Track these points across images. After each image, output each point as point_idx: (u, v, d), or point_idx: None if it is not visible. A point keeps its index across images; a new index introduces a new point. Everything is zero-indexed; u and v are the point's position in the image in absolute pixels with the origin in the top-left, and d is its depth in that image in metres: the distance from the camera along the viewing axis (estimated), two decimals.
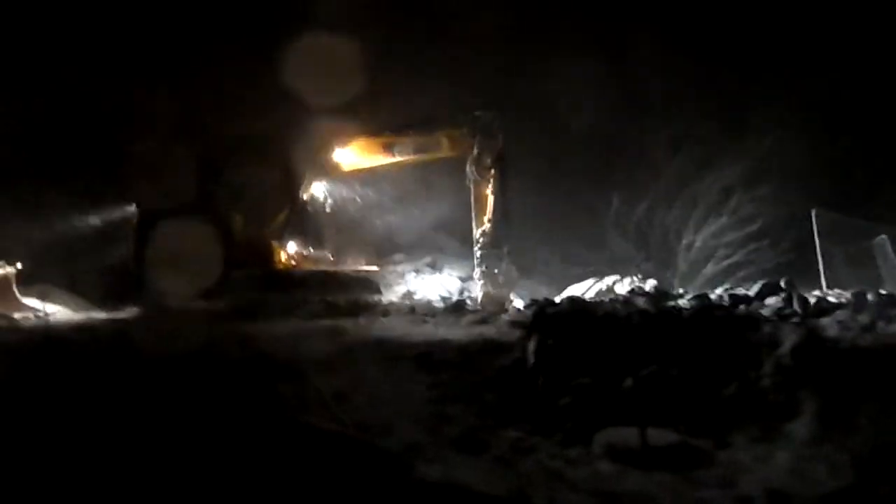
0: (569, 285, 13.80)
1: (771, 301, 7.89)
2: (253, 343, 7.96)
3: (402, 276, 14.90)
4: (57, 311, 12.73)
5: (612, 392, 6.06)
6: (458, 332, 8.21)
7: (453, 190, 19.07)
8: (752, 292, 8.49)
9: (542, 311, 7.39)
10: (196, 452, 5.05)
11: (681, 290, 11.43)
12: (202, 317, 9.25)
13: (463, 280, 15.92)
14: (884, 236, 14.93)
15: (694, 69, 19.12)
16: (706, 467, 4.70)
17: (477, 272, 12.27)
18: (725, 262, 17.99)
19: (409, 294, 13.93)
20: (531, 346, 6.96)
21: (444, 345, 7.56)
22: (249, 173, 11.29)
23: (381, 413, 6.25)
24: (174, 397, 6.38)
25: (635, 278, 12.54)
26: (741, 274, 17.66)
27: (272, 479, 4.27)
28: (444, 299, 13.76)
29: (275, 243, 11.59)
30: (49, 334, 9.47)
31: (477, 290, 12.37)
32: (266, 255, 11.45)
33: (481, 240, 12.17)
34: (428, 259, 17.28)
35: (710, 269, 18.23)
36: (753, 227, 17.63)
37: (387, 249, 17.82)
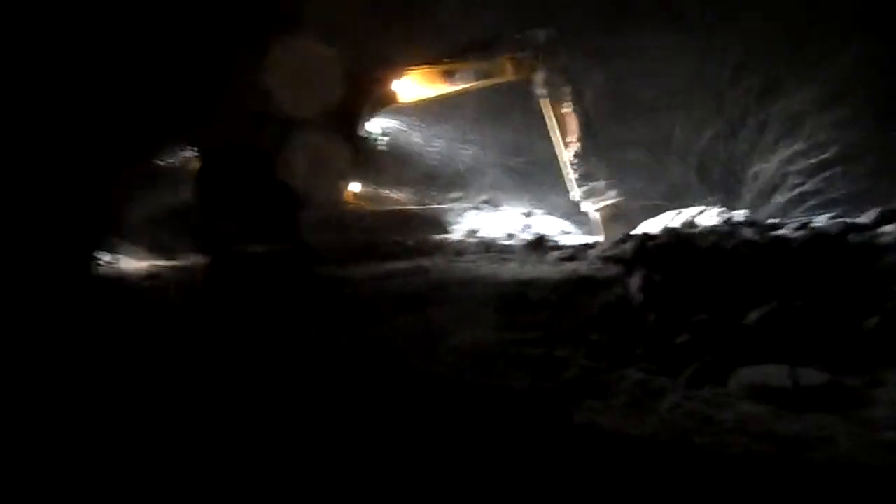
0: (642, 219, 13.25)
1: (889, 228, 7.30)
2: (337, 286, 7.71)
3: (460, 213, 14.48)
4: (112, 259, 12.69)
5: (735, 328, 5.67)
6: (546, 269, 7.84)
7: (503, 125, 18.54)
8: (863, 220, 7.90)
9: (644, 245, 6.93)
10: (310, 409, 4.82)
11: (776, 220, 10.84)
12: (278, 262, 9.02)
13: (526, 216, 15.46)
14: None
15: None
16: (867, 407, 4.29)
17: (578, 193, 11.77)
18: (797, 191, 17.12)
19: (471, 232, 13.55)
20: (635, 282, 6.57)
21: (536, 283, 7.20)
22: (306, 108, 10.87)
23: (486, 357, 5.97)
24: (277, 353, 6.18)
25: (724, 209, 11.95)
26: (813, 202, 16.82)
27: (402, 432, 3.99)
28: (509, 236, 13.35)
29: (340, 182, 11.25)
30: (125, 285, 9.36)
31: (586, 208, 11.87)
32: (333, 195, 11.13)
33: (575, 161, 11.65)
34: (485, 196, 16.81)
35: (778, 198, 17.39)
36: (827, 154, 16.65)
37: (441, 185, 17.36)
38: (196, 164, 12.02)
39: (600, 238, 11.42)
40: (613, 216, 11.76)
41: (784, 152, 17.24)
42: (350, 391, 5.22)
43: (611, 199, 11.66)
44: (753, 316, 5.64)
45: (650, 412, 4.44)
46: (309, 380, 5.06)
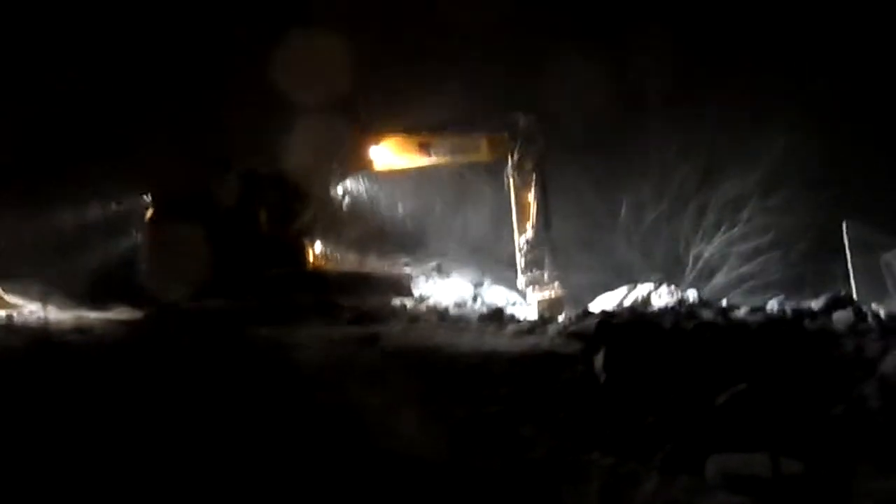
0: (583, 294, 13.38)
1: (840, 315, 7.46)
2: (287, 351, 7.32)
3: (412, 279, 14.30)
4: (42, 310, 11.90)
5: (703, 411, 5.56)
6: (505, 342, 7.66)
7: (458, 195, 18.67)
8: (815, 306, 8.08)
9: (608, 323, 6.84)
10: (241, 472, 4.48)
11: (728, 302, 11.07)
12: (232, 319, 8.57)
13: (475, 285, 15.38)
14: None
15: (701, 73, 18.79)
16: (846, 500, 4.18)
17: (522, 279, 11.83)
18: (736, 273, 17.72)
19: (421, 299, 13.33)
20: (599, 359, 6.44)
21: (496, 356, 6.99)
22: (276, 167, 10.62)
23: (442, 432, 5.68)
24: (207, 410, 5.77)
25: (674, 288, 12.12)
26: (752, 284, 17.43)
27: None
28: (458, 305, 13.19)
29: (305, 241, 10.94)
30: (51, 338, 8.68)
31: (529, 296, 11.90)
32: (297, 254, 10.78)
33: (525, 246, 11.73)
34: (433, 263, 16.70)
35: (719, 278, 17.96)
36: (764, 238, 17.39)
37: (389, 251, 17.20)
38: (148, 213, 11.54)
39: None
40: (551, 307, 11.77)
41: (724, 235, 17.95)
42: (298, 467, 4.85)
43: (551, 291, 11.72)
44: (721, 399, 5.54)
45: (628, 501, 4.22)
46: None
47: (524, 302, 13.65)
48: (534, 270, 11.69)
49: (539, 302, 11.75)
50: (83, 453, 4.68)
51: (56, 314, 11.58)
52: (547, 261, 11.67)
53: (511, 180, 11.86)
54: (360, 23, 14.03)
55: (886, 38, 18.29)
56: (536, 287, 11.68)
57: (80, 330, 9.83)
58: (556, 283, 11.73)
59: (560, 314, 11.66)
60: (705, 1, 19.58)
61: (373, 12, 14.53)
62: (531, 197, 11.80)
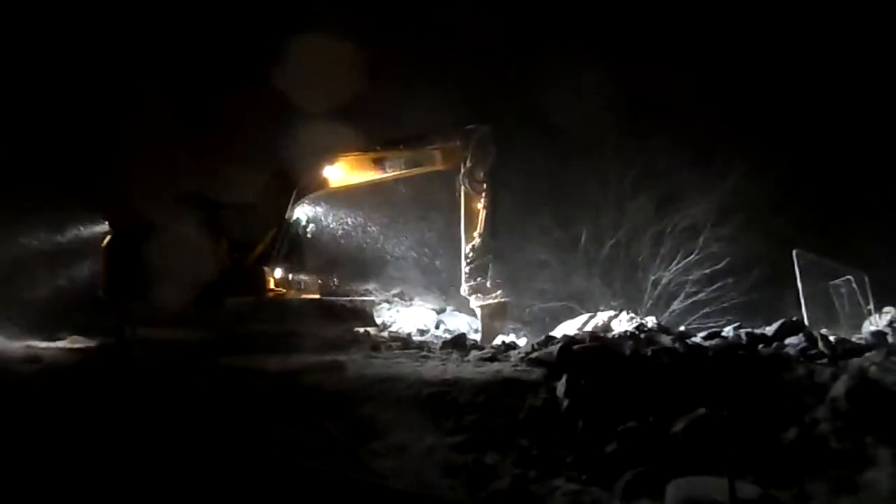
0: (540, 320, 13.51)
1: (792, 341, 7.69)
2: (250, 380, 7.22)
3: (375, 306, 14.23)
4: None
5: (662, 437, 5.67)
6: (469, 369, 7.67)
7: (415, 220, 18.74)
8: (768, 331, 8.30)
9: (569, 349, 6.93)
10: None
11: (682, 328, 11.28)
12: (192, 349, 8.40)
13: (438, 312, 15.39)
14: (848, 277, 15.12)
15: (655, 103, 19.32)
16: None
17: (465, 288, 11.77)
18: (692, 300, 18.07)
19: (384, 326, 13.29)
20: (561, 386, 6.51)
21: (460, 384, 6.99)
22: (233, 191, 10.56)
23: (408, 461, 5.67)
24: (169, 442, 5.66)
25: (634, 315, 12.29)
26: (708, 310, 17.79)
27: None
28: (421, 332, 13.18)
29: (265, 268, 10.82)
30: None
31: (472, 303, 11.84)
32: (257, 282, 10.65)
33: (471, 254, 11.72)
34: (396, 290, 16.68)
35: (676, 305, 18.28)
36: (720, 265, 17.79)
37: (351, 277, 17.12)
38: (106, 240, 11.25)
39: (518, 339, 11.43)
40: (495, 314, 11.81)
41: (681, 263, 18.32)
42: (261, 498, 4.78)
43: (495, 298, 11.74)
44: (680, 425, 5.66)
45: None
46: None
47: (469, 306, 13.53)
48: (477, 279, 11.66)
49: (482, 308, 11.73)
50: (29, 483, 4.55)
51: (5, 343, 11.21)
52: (490, 268, 11.66)
53: (462, 188, 11.89)
54: (313, 40, 13.99)
55: (836, 69, 19.13)
56: (479, 295, 11.67)
57: (30, 359, 9.54)
58: (499, 291, 11.73)
59: (504, 321, 11.66)
60: (661, 30, 20.13)
61: (328, 27, 14.49)
62: (480, 205, 11.85)
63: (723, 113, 18.60)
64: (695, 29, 19.79)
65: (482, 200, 11.83)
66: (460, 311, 15.82)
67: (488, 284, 11.66)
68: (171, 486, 4.71)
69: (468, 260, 11.83)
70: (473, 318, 15.06)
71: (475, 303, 11.87)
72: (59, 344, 11.43)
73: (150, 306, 9.67)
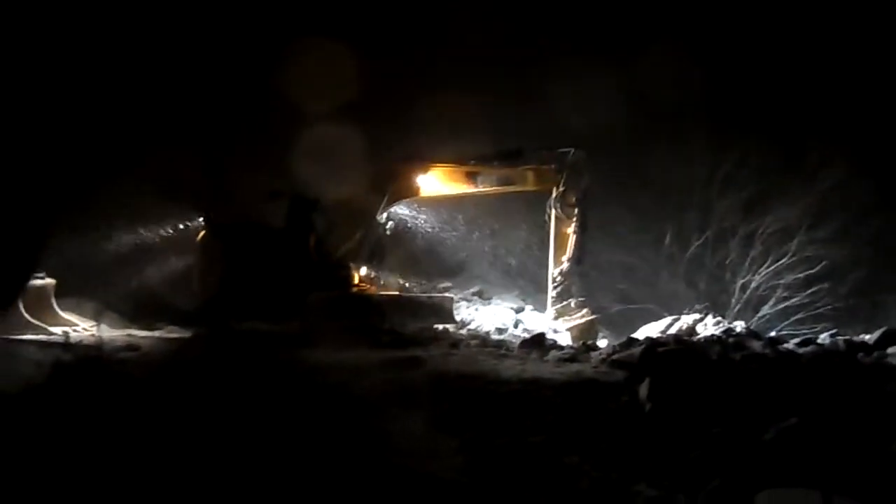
0: (630, 325, 13.26)
1: (895, 350, 7.25)
2: (330, 373, 7.40)
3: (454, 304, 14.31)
4: (94, 327, 12.26)
5: (751, 445, 5.44)
6: (548, 369, 7.62)
7: (500, 220, 18.71)
8: (869, 339, 7.85)
9: (653, 351, 6.76)
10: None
11: (776, 334, 10.87)
12: (276, 341, 8.73)
13: (517, 311, 15.34)
14: None
15: (746, 101, 18.60)
16: None
17: (551, 311, 11.88)
18: (784, 304, 17.31)
19: (462, 324, 13.36)
20: (644, 388, 6.36)
21: (539, 384, 6.95)
22: (324, 189, 10.96)
23: (488, 459, 5.67)
24: (251, 429, 5.86)
25: (721, 318, 11.93)
26: (801, 315, 17.01)
27: None
28: (499, 330, 13.16)
29: (351, 265, 11.15)
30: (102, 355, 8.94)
31: (558, 328, 11.92)
32: (343, 278, 10.99)
33: (558, 278, 11.80)
34: (475, 288, 16.73)
35: (766, 310, 17.56)
36: (814, 270, 16.98)
37: (430, 275, 17.29)
38: (201, 235, 11.84)
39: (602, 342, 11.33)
40: (584, 334, 11.72)
41: (772, 265, 17.58)
42: (341, 490, 4.88)
43: (580, 318, 11.72)
44: (771, 433, 5.42)
45: None
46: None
47: (558, 331, 13.59)
48: (563, 301, 11.71)
49: (570, 329, 11.72)
50: (132, 469, 4.80)
51: (108, 332, 11.92)
52: (574, 290, 11.68)
53: (553, 212, 11.94)
54: (410, 51, 14.40)
55: None
56: (565, 317, 11.69)
57: (131, 347, 10.11)
58: (585, 310, 11.70)
59: (595, 339, 11.59)
60: (751, 27, 19.40)
61: (421, 43, 14.92)
62: (570, 230, 11.86)
63: (818, 110, 17.75)
64: (791, 24, 18.96)
65: (572, 225, 11.87)
66: (539, 311, 15.72)
67: (572, 305, 11.71)
68: (247, 473, 4.87)
69: (555, 283, 11.93)
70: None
71: (563, 325, 11.96)
72: (156, 333, 12.08)
73: (240, 299, 10.07)
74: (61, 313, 12.45)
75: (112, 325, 12.46)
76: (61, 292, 12.75)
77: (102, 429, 5.85)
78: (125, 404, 6.48)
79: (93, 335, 10.81)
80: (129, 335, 11.71)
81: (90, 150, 12.24)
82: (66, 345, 9.29)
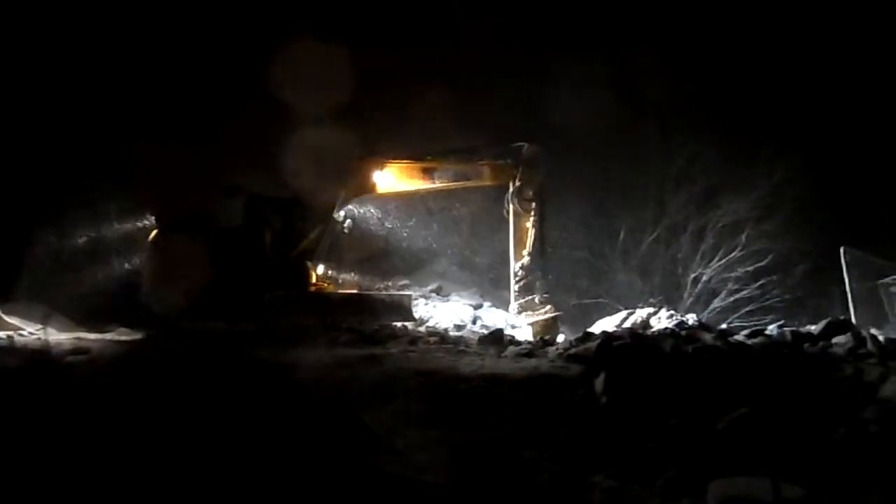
0: (586, 319, 13.47)
1: (839, 340, 7.48)
2: (287, 371, 7.31)
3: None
4: (40, 331, 11.88)
5: (705, 435, 5.56)
6: (506, 365, 7.64)
7: (457, 218, 18.77)
8: (814, 330, 8.10)
9: (608, 345, 6.86)
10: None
11: (724, 326, 11.14)
12: (232, 341, 8.57)
13: (475, 308, 15.39)
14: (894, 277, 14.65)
15: (699, 98, 19.03)
16: None
17: (514, 305, 11.96)
18: (733, 297, 17.76)
19: (421, 321, 13.34)
20: (600, 382, 6.45)
21: (497, 379, 6.99)
22: (281, 189, 10.80)
23: (445, 455, 5.67)
24: (214, 434, 5.76)
25: (674, 312, 12.16)
26: (751, 308, 17.47)
27: None
28: (458, 327, 13.20)
29: (308, 263, 11.02)
30: (49, 359, 8.67)
31: (520, 323, 12.00)
32: (300, 276, 10.85)
33: (520, 272, 11.88)
34: (433, 285, 16.73)
35: (717, 303, 17.99)
36: (763, 262, 17.46)
37: (388, 273, 17.25)
38: (152, 234, 11.58)
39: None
40: (546, 330, 11.86)
41: (723, 259, 18.02)
42: (298, 488, 4.83)
43: (544, 314, 11.86)
44: (723, 423, 5.54)
45: None
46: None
47: (518, 326, 13.69)
48: (525, 296, 11.82)
49: (532, 325, 11.84)
50: (77, 474, 4.67)
51: (56, 335, 11.55)
52: (538, 285, 11.81)
53: (511, 206, 12.04)
54: (366, 46, 14.34)
55: (881, 62, 18.58)
56: (529, 312, 11.81)
57: (79, 351, 9.81)
58: (549, 307, 11.85)
59: (556, 335, 11.74)
60: (703, 26, 19.83)
61: (379, 37, 14.90)
62: (529, 224, 11.97)
63: (766, 107, 18.25)
64: (738, 27, 19.46)
65: (531, 219, 11.96)
66: (497, 307, 15.81)
67: (537, 300, 11.81)
68: (194, 479, 4.78)
69: (517, 278, 12.03)
70: (510, 314, 15.06)
71: (525, 320, 12.07)
72: (107, 336, 11.76)
73: (193, 299, 9.89)
74: (5, 318, 12.06)
75: (60, 329, 12.09)
76: (6, 296, 12.33)
77: (48, 434, 5.68)
78: (72, 408, 6.30)
79: (39, 339, 10.47)
80: (77, 338, 11.37)
81: (34, 149, 11.85)
82: (11, 349, 8.98)
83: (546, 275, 12.08)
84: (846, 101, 18.55)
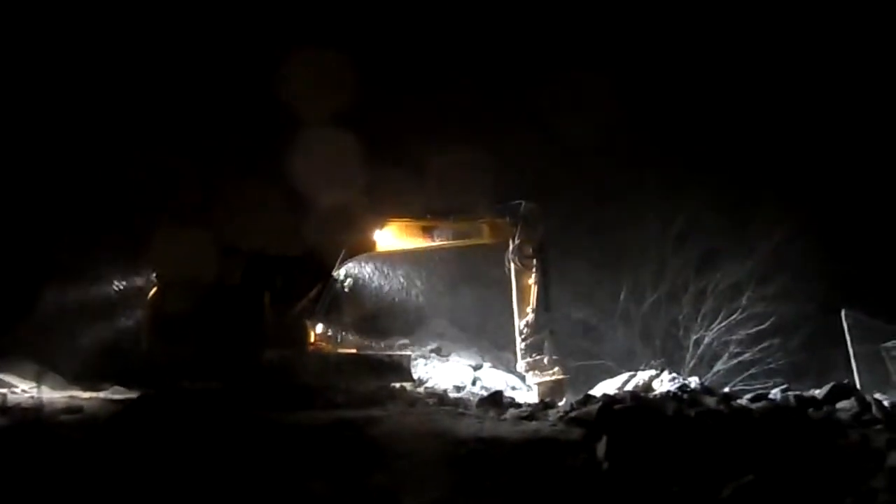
0: (587, 381, 13.31)
1: (844, 405, 7.39)
2: (283, 434, 7.20)
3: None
4: (34, 389, 11.72)
5: (709, 503, 5.43)
6: (506, 428, 7.52)
7: (457, 277, 18.74)
8: (818, 395, 7.99)
9: (610, 408, 6.76)
10: None
11: (730, 390, 10.99)
12: (229, 402, 8.44)
13: (475, 368, 15.23)
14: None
15: (697, 162, 19.29)
16: None
17: (522, 364, 11.82)
18: (736, 360, 17.58)
19: (420, 381, 13.20)
20: (601, 447, 6.33)
21: (497, 443, 6.85)
22: (278, 245, 10.84)
23: None
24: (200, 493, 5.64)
25: (676, 374, 12.02)
26: (753, 371, 17.28)
27: None
28: (457, 388, 13.04)
29: (307, 322, 10.98)
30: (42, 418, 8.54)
31: (529, 380, 11.86)
32: (299, 335, 10.80)
33: (525, 330, 11.79)
34: (433, 345, 16.60)
35: (719, 365, 17.79)
36: (764, 325, 17.35)
37: (387, 332, 17.12)
38: (152, 292, 11.55)
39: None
40: (552, 391, 11.72)
41: (724, 321, 17.91)
42: None
43: (552, 375, 11.74)
44: (728, 490, 5.43)
45: None
46: None
47: (525, 386, 13.53)
48: (534, 355, 11.69)
49: (539, 385, 11.71)
50: None
51: (49, 394, 11.39)
52: (547, 345, 11.70)
53: (511, 264, 12.06)
54: (364, 106, 14.59)
55: (878, 122, 18.94)
56: (537, 371, 11.67)
57: (73, 410, 9.66)
58: (557, 368, 11.72)
59: (561, 398, 11.56)
60: (700, 85, 20.26)
61: (378, 97, 15.18)
62: (531, 281, 11.96)
63: (765, 172, 18.49)
64: (736, 86, 19.88)
65: (533, 276, 11.97)
66: (497, 368, 15.66)
67: (545, 361, 11.72)
68: None
69: (523, 336, 11.94)
70: (510, 375, 14.91)
71: (532, 379, 11.94)
72: (101, 395, 11.58)
73: (192, 358, 9.79)
74: None
75: (54, 387, 11.93)
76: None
77: (40, 495, 5.55)
78: (64, 469, 6.17)
79: (32, 397, 10.32)
80: (71, 397, 11.21)
81: (31, 206, 11.94)
82: (3, 408, 8.83)
83: (555, 334, 11.98)
84: (844, 164, 18.84)
